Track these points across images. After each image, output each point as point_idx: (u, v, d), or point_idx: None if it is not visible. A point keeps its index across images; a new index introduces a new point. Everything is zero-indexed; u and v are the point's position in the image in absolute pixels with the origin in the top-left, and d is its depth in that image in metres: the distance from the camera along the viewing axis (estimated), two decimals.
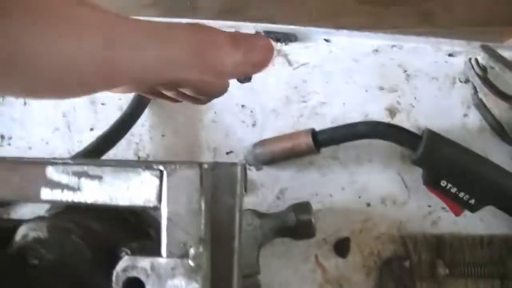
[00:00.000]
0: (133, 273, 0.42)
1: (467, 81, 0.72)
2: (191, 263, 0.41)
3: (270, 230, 0.67)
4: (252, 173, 0.74)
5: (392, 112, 0.73)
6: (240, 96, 0.75)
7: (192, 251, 0.42)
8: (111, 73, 0.41)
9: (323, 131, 0.70)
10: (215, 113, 0.75)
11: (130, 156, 0.76)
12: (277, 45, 0.75)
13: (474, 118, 0.72)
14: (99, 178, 0.44)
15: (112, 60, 0.40)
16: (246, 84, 0.74)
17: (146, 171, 0.43)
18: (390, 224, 0.72)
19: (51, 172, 0.45)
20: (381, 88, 0.74)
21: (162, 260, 0.42)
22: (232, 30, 0.58)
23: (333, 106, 0.74)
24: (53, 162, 0.45)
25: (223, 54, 0.46)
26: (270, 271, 0.71)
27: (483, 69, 0.68)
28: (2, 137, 0.79)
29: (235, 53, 0.46)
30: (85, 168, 0.44)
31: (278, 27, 0.75)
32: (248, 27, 0.74)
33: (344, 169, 0.73)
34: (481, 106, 0.71)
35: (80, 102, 0.78)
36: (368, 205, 0.72)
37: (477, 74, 0.69)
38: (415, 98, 0.73)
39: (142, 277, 0.42)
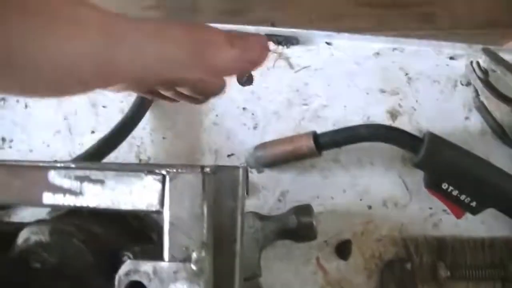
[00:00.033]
0: (136, 277, 0.42)
1: (468, 84, 0.72)
2: (193, 267, 0.41)
3: (271, 232, 0.67)
4: (254, 175, 0.74)
5: (393, 115, 0.73)
6: (242, 99, 0.75)
7: (194, 255, 0.42)
8: (110, 72, 0.41)
9: (324, 134, 0.70)
10: (217, 115, 0.75)
11: (132, 158, 0.76)
12: (279, 48, 0.75)
13: (476, 121, 0.72)
14: (102, 182, 0.44)
15: (111, 60, 0.41)
16: (247, 87, 0.75)
17: (148, 175, 0.43)
18: (391, 226, 0.72)
19: (53, 177, 0.45)
20: (383, 91, 0.74)
21: (165, 264, 0.42)
22: None
23: (335, 109, 0.74)
24: (55, 166, 0.45)
25: (220, 52, 0.46)
26: (271, 273, 0.71)
27: (485, 72, 0.68)
28: (3, 140, 0.79)
29: (232, 51, 0.47)
30: (88, 172, 0.44)
31: (280, 30, 0.75)
32: (249, 30, 0.74)
33: (346, 171, 0.73)
34: (482, 109, 0.71)
35: (81, 105, 0.78)
36: (370, 207, 0.72)
37: (479, 77, 0.69)
38: (416, 101, 0.73)
39: (145, 281, 0.42)
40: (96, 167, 0.44)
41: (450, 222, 0.71)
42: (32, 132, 0.79)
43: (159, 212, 0.43)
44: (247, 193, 0.49)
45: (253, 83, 0.75)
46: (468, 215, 0.67)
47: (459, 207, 0.66)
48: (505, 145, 0.71)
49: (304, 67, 0.75)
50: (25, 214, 0.73)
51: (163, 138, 0.76)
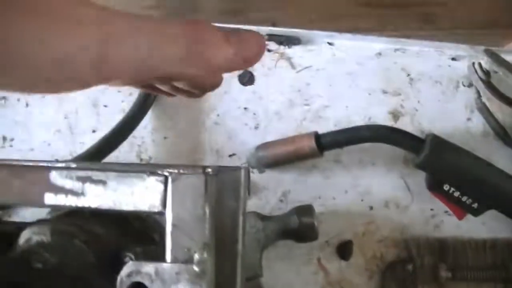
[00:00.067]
0: (138, 278, 0.42)
1: (470, 85, 0.72)
2: (195, 268, 0.41)
3: (273, 232, 0.66)
4: (255, 175, 0.73)
5: (395, 115, 0.73)
6: (243, 99, 0.75)
7: (196, 256, 0.42)
8: (107, 70, 0.42)
9: (326, 134, 0.70)
10: (218, 115, 0.75)
11: (133, 158, 0.76)
12: (280, 48, 0.75)
13: (478, 122, 0.72)
14: (103, 183, 0.44)
15: (107, 57, 0.41)
16: (249, 87, 0.75)
17: (150, 176, 0.43)
18: (393, 227, 0.72)
19: (55, 177, 0.45)
20: (385, 92, 0.74)
21: (167, 265, 0.42)
22: None
23: (336, 110, 0.74)
24: (57, 166, 0.45)
25: (216, 49, 0.47)
26: (272, 274, 0.71)
27: (487, 73, 0.68)
28: (4, 138, 0.79)
29: (228, 48, 0.47)
30: (89, 173, 0.44)
31: (282, 30, 0.74)
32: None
33: (347, 172, 0.73)
34: (484, 110, 0.70)
35: (82, 104, 0.78)
36: (371, 208, 0.72)
37: (481, 78, 0.69)
38: (418, 102, 0.73)
39: (147, 282, 0.42)
40: (98, 168, 0.44)
41: (452, 223, 0.71)
42: (33, 131, 0.79)
43: (161, 213, 0.42)
44: (249, 194, 0.49)
45: (254, 83, 0.75)
46: (469, 217, 0.67)
47: (460, 209, 0.66)
48: (507, 146, 0.71)
49: (306, 67, 0.75)
50: (25, 214, 0.73)
51: (164, 137, 0.76)
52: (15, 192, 0.46)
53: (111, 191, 0.44)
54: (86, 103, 0.78)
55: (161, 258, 0.43)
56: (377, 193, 0.73)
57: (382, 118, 0.73)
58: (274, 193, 0.74)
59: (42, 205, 0.45)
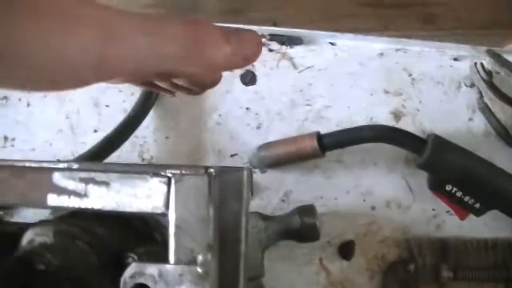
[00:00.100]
0: (141, 280, 0.42)
1: (472, 85, 0.72)
2: (199, 270, 0.41)
3: (274, 232, 0.66)
4: (257, 175, 0.73)
5: (397, 116, 0.73)
6: (245, 99, 0.75)
7: (200, 257, 0.42)
8: (105, 67, 0.42)
9: (328, 135, 0.70)
10: (220, 115, 0.75)
11: (134, 158, 0.76)
12: (282, 48, 0.75)
13: (479, 123, 0.72)
14: (107, 184, 0.44)
15: (105, 54, 0.41)
16: (251, 87, 0.75)
17: (154, 177, 0.43)
18: (394, 227, 0.72)
19: (58, 178, 0.45)
20: (386, 92, 0.73)
21: (170, 267, 0.42)
22: None
23: (338, 110, 0.74)
24: (59, 168, 0.45)
25: (214, 47, 0.47)
26: (274, 274, 0.71)
27: (489, 73, 0.68)
28: (5, 138, 0.79)
29: (226, 47, 0.48)
30: (92, 174, 0.44)
31: (283, 30, 0.74)
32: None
33: (349, 172, 0.73)
34: (486, 110, 0.70)
35: (84, 104, 0.78)
36: (373, 208, 0.72)
37: (483, 79, 0.68)
38: (420, 102, 0.73)
39: (150, 284, 0.42)
40: (100, 169, 0.44)
41: (453, 224, 0.71)
42: (34, 131, 0.79)
43: (165, 215, 0.42)
44: (251, 195, 0.49)
45: (256, 83, 0.75)
46: (471, 217, 0.67)
47: (462, 209, 0.67)
48: (509, 146, 0.71)
49: (308, 68, 0.75)
50: (27, 214, 0.73)
51: (166, 137, 0.76)
52: (17, 193, 0.46)
53: (114, 193, 0.44)
54: (88, 103, 0.78)
55: (163, 258, 0.43)
56: (379, 193, 0.73)
57: (383, 118, 0.73)
58: (276, 193, 0.74)
59: (45, 206, 0.45)
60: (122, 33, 0.42)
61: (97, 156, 0.72)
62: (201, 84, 0.53)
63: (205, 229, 0.42)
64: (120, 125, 0.74)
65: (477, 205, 0.65)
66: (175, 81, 0.53)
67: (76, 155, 0.76)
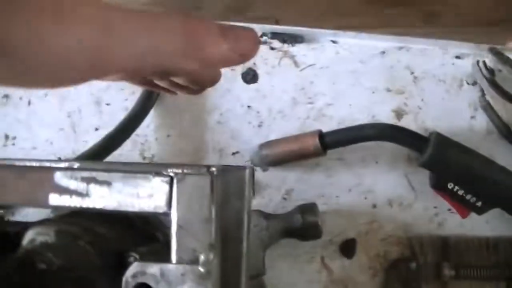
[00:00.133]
0: (143, 279, 0.42)
1: (474, 83, 0.72)
2: (201, 269, 0.41)
3: (276, 231, 0.66)
4: (258, 174, 0.73)
5: (399, 114, 0.73)
6: (246, 97, 0.75)
7: (202, 257, 0.42)
8: (104, 64, 0.42)
9: (330, 133, 0.69)
10: (221, 114, 0.75)
11: (136, 156, 0.76)
12: (284, 47, 0.75)
13: (481, 121, 0.72)
14: (108, 184, 0.44)
15: (103, 51, 0.41)
16: (252, 85, 0.75)
17: (156, 177, 0.43)
18: (396, 225, 0.72)
19: (60, 178, 0.45)
20: (388, 90, 0.73)
21: (172, 266, 0.42)
22: None
23: (340, 108, 0.74)
24: (61, 167, 0.45)
25: (212, 45, 0.47)
26: (276, 272, 0.71)
27: (491, 71, 0.68)
28: (6, 137, 0.79)
29: (223, 43, 0.48)
30: (94, 173, 0.44)
31: (285, 29, 0.74)
32: (255, 28, 0.74)
33: (350, 170, 0.73)
34: (488, 108, 0.70)
35: (85, 102, 0.78)
36: (374, 206, 0.72)
37: (485, 77, 0.68)
38: (422, 100, 0.73)
39: (152, 283, 0.42)
40: (102, 168, 0.44)
41: (455, 222, 0.71)
42: (35, 130, 0.79)
43: (167, 214, 0.42)
44: (253, 194, 0.49)
45: (258, 81, 0.75)
46: (473, 215, 0.67)
47: (464, 207, 0.66)
48: (511, 144, 0.71)
49: (309, 65, 0.75)
50: (28, 212, 0.73)
51: (167, 136, 0.76)
52: (19, 193, 0.46)
53: (116, 192, 0.43)
54: (89, 102, 0.78)
55: (165, 257, 0.43)
56: (381, 192, 0.72)
57: (385, 116, 0.73)
58: (277, 191, 0.73)
59: (46, 206, 0.45)
60: (120, 30, 0.42)
61: (98, 155, 0.72)
62: (200, 82, 0.53)
63: (207, 229, 0.42)
64: (121, 123, 0.74)
65: (479, 203, 0.65)
66: (175, 80, 0.53)
67: (77, 153, 0.75)
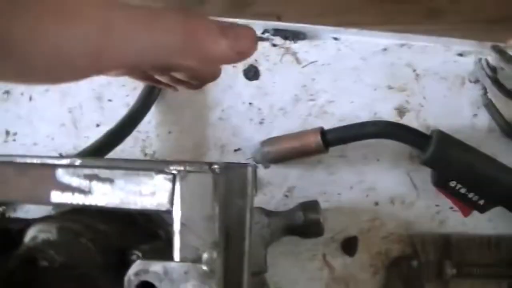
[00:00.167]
0: (146, 278, 0.42)
1: (476, 81, 0.72)
2: (204, 267, 0.41)
3: (278, 228, 0.66)
4: (260, 171, 0.73)
5: (401, 111, 0.73)
6: (248, 94, 0.75)
7: (205, 255, 0.41)
8: (103, 60, 0.42)
9: (332, 130, 0.69)
10: (223, 110, 0.75)
11: (137, 152, 0.76)
12: (286, 43, 0.75)
13: (483, 119, 0.72)
14: (111, 181, 0.44)
15: (103, 46, 0.41)
16: (254, 82, 0.74)
17: (158, 174, 0.43)
18: (398, 223, 0.72)
19: (62, 175, 0.45)
20: (390, 87, 0.73)
21: (175, 265, 0.42)
22: None
23: (342, 105, 0.74)
24: (63, 164, 0.45)
25: (211, 41, 0.47)
26: (277, 269, 0.71)
27: (493, 69, 0.68)
28: (7, 133, 0.79)
29: (222, 41, 0.48)
30: (96, 171, 0.44)
31: (287, 25, 0.74)
32: (257, 25, 0.74)
33: (352, 168, 0.73)
34: (490, 106, 0.70)
35: (86, 98, 0.78)
36: (376, 204, 0.72)
37: (487, 75, 0.68)
38: (424, 98, 0.73)
39: (155, 282, 0.42)
40: (105, 165, 0.44)
41: (457, 220, 0.71)
42: (36, 125, 0.78)
43: (169, 212, 0.42)
44: (255, 191, 0.49)
45: (259, 78, 0.75)
46: (475, 213, 0.67)
47: (466, 205, 0.66)
48: None
49: (311, 62, 0.74)
50: (29, 208, 0.72)
51: (169, 132, 0.76)
52: (21, 190, 0.46)
53: (118, 190, 0.43)
54: (90, 97, 0.77)
55: (167, 254, 0.42)
56: (382, 189, 0.72)
57: (387, 114, 0.73)
58: (279, 188, 0.73)
59: (48, 203, 0.45)
60: (120, 25, 0.42)
61: (100, 151, 0.72)
62: (200, 77, 0.53)
63: (211, 227, 0.42)
64: (123, 119, 0.74)
65: (481, 202, 0.65)
66: (175, 75, 0.53)
67: (79, 149, 0.75)
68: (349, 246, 0.72)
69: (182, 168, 0.42)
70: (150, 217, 0.57)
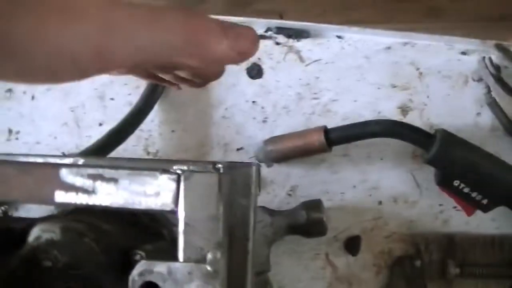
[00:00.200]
0: (150, 278, 0.42)
1: (480, 80, 0.72)
2: (208, 268, 0.41)
3: (281, 227, 0.66)
4: (263, 169, 0.73)
5: (404, 110, 0.72)
6: (251, 92, 0.75)
7: (209, 256, 0.41)
8: (105, 59, 0.42)
9: (335, 129, 0.69)
10: (226, 109, 0.75)
11: (140, 151, 0.76)
12: (289, 42, 0.74)
13: (487, 117, 0.72)
14: (115, 181, 0.43)
15: (105, 45, 0.41)
16: (257, 80, 0.74)
17: (163, 174, 0.42)
18: (401, 222, 0.72)
19: (65, 174, 0.44)
20: (393, 86, 0.73)
21: (179, 265, 0.42)
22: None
23: (345, 103, 0.73)
24: (67, 164, 0.45)
25: (213, 41, 0.47)
26: (280, 269, 0.71)
27: (497, 68, 0.68)
28: (10, 131, 0.79)
29: (224, 41, 0.47)
30: (100, 171, 0.44)
31: (290, 24, 0.74)
32: (260, 23, 0.74)
33: (356, 167, 0.73)
34: (494, 105, 0.70)
35: (88, 97, 0.77)
36: (380, 203, 0.72)
37: (491, 73, 0.68)
38: (427, 97, 0.72)
39: (159, 282, 0.41)
40: (109, 165, 0.44)
41: (460, 219, 0.71)
42: (39, 124, 0.78)
43: (174, 212, 0.42)
44: (259, 191, 0.49)
45: (263, 77, 0.75)
46: (478, 212, 0.67)
47: (470, 204, 0.66)
48: None
49: (315, 61, 0.74)
50: (32, 207, 0.72)
51: (172, 131, 0.76)
52: (24, 189, 0.46)
53: (122, 190, 0.43)
54: (93, 96, 0.77)
55: (170, 254, 0.42)
56: (386, 188, 0.72)
57: (390, 112, 0.73)
58: (282, 187, 0.73)
59: (52, 203, 0.44)
60: (122, 24, 0.42)
61: (102, 150, 0.72)
62: (203, 76, 0.53)
63: (215, 227, 0.42)
64: (126, 118, 0.73)
65: (485, 201, 0.65)
66: (178, 73, 0.53)
67: (81, 148, 0.75)
68: (352, 245, 0.72)
69: (186, 167, 0.42)
70: (154, 217, 0.57)
